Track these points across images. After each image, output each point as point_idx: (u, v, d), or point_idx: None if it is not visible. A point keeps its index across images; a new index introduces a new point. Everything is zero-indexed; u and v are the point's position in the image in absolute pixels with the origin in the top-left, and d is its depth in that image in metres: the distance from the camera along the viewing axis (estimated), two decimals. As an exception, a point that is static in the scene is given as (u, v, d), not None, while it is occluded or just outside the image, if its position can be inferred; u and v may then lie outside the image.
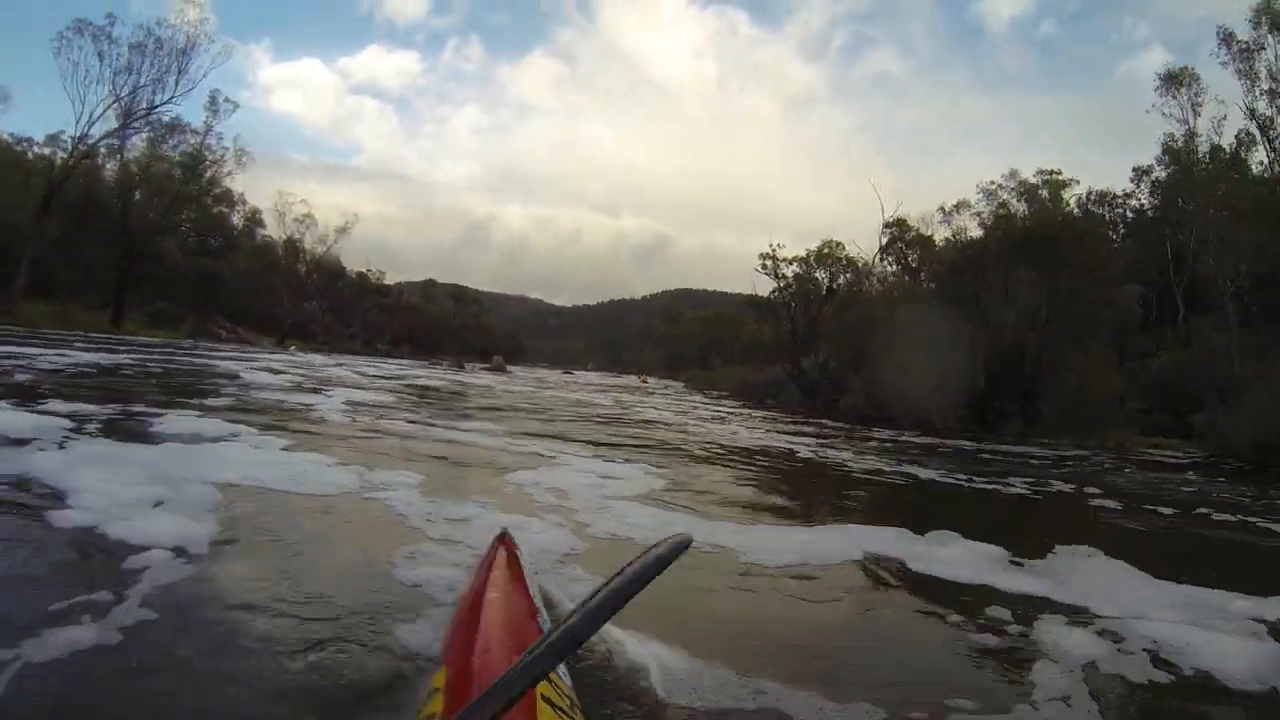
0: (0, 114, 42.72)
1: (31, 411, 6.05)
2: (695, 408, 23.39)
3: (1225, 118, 25.72)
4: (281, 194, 53.76)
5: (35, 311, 29.97)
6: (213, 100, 37.22)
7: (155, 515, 3.54)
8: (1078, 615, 3.53)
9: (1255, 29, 23.10)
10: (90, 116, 32.55)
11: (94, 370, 12.35)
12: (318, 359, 32.75)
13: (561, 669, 1.75)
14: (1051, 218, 24.73)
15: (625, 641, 2.52)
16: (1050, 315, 20.06)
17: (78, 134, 32.95)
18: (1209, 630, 3.37)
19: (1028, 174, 31.26)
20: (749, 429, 15.79)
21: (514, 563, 2.41)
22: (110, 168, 37.60)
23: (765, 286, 35.89)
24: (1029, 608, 3.61)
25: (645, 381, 58.05)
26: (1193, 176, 26.13)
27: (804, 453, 11.20)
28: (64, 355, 14.33)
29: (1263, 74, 23.59)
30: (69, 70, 31.58)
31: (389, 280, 68.21)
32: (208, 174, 39.47)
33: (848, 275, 30.42)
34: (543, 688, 1.51)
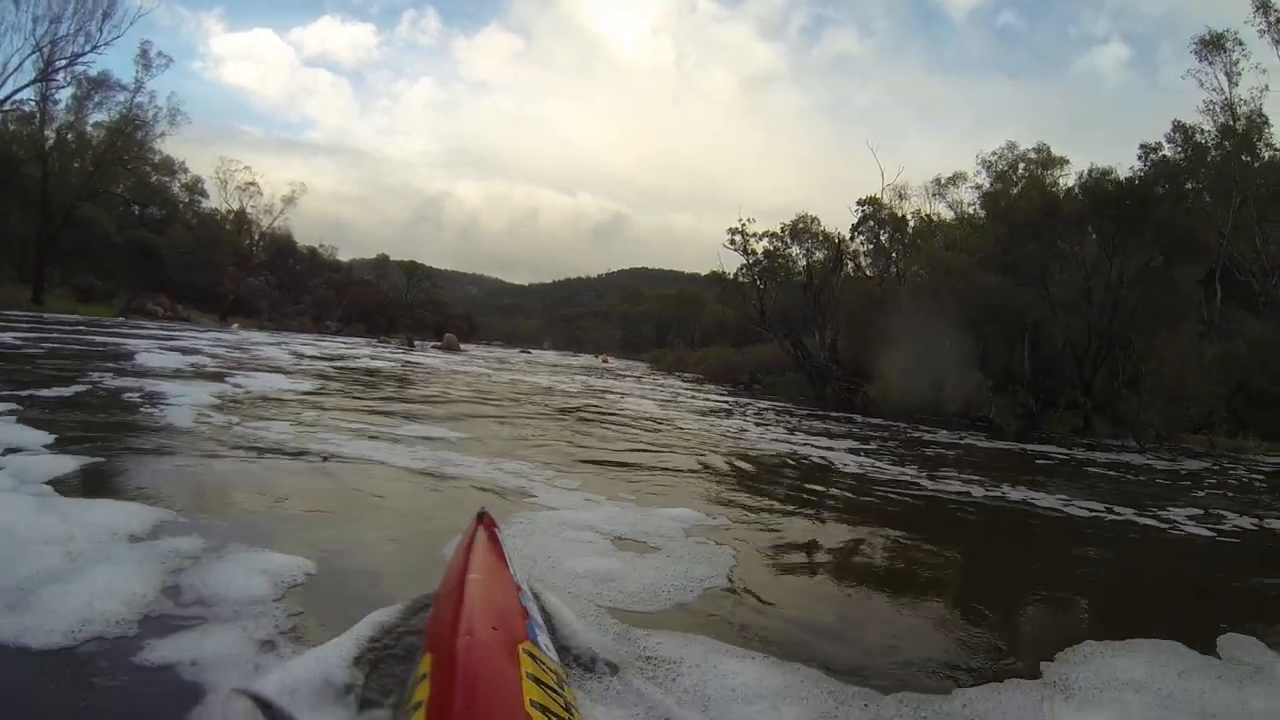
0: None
1: None
2: (679, 396, 19.99)
3: (1267, 89, 23.03)
4: (224, 160, 49.60)
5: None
6: (144, 54, 33.39)
7: None
8: None
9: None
10: (5, 69, 28.86)
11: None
12: (258, 337, 29.69)
13: (547, 643, 1.80)
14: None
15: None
16: (1130, 292, 16.86)
17: (-9, 89, 29.10)
18: None
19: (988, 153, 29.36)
20: (767, 429, 12.62)
21: (494, 543, 2.36)
22: (28, 128, 33.58)
23: (731, 264, 33.64)
24: None
25: (606, 361, 55.45)
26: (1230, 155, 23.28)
27: (886, 473, 8.05)
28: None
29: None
30: (-20, 17, 27.67)
31: (343, 257, 64.56)
32: (139, 135, 35.39)
33: (825, 252, 28.05)
34: (527, 664, 1.56)
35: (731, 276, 32.90)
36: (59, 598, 2.26)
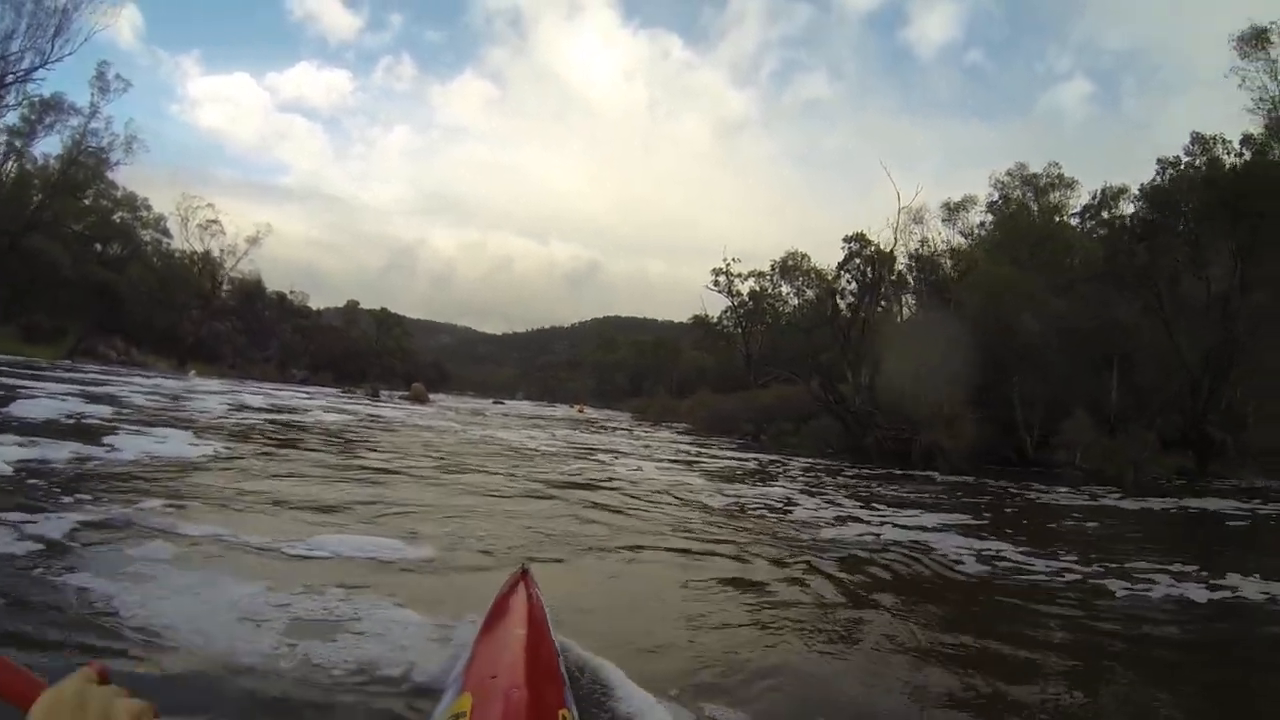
0: None
1: None
2: (682, 454, 16.39)
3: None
4: (185, 196, 46.32)
5: None
6: (100, 75, 30.55)
7: None
8: None
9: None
10: (-50, 88, 26.03)
11: None
12: (210, 385, 26.62)
13: (576, 713, 1.71)
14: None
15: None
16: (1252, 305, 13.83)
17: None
18: None
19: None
20: (824, 499, 9.64)
21: (533, 599, 2.31)
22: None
23: (714, 308, 31.28)
24: None
25: (582, 411, 52.61)
26: None
27: (1068, 574, 5.47)
28: None
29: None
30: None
31: (316, 305, 61.22)
32: (91, 162, 32.28)
33: (817, 289, 25.85)
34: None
35: (715, 320, 30.43)
36: None
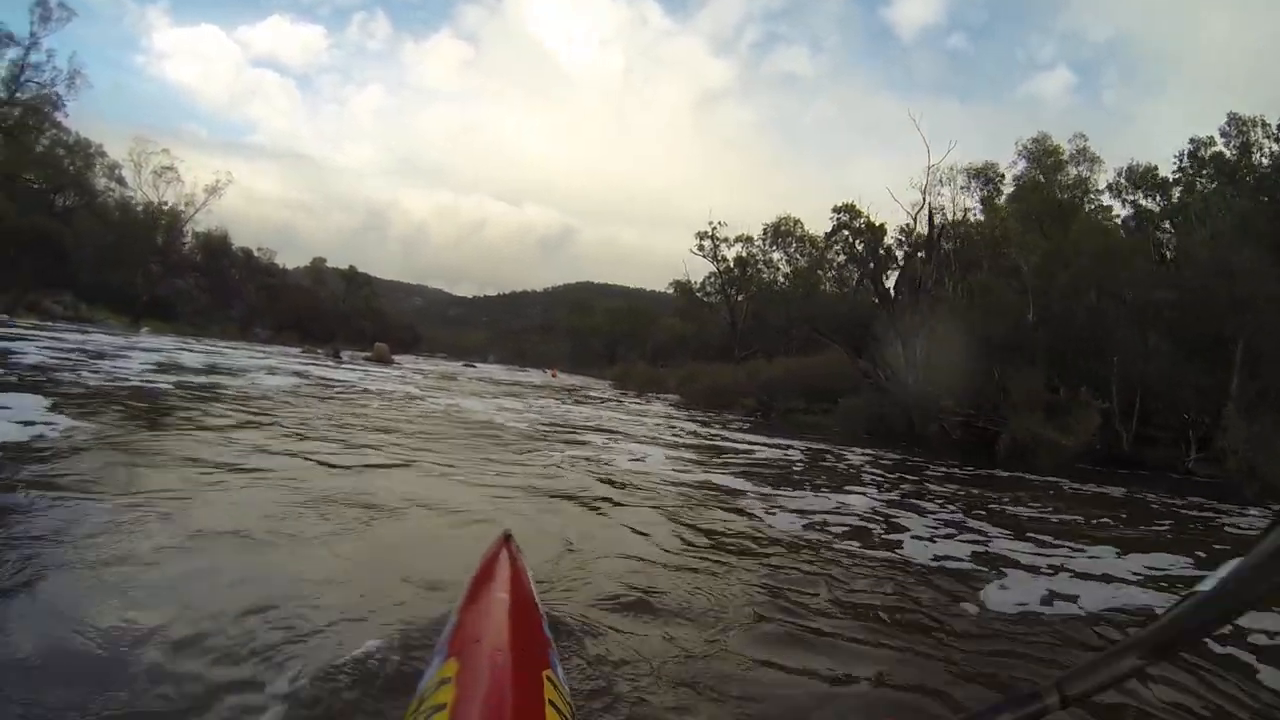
0: None
1: None
2: (695, 438, 12.89)
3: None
4: (138, 141, 42.68)
5: None
6: (41, 3, 27.23)
7: None
8: None
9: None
10: None
11: None
12: (152, 342, 23.94)
13: (563, 675, 1.63)
14: None
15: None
16: None
17: None
18: None
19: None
20: (932, 520, 6.31)
21: (516, 564, 2.11)
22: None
23: (696, 275, 29.05)
24: None
25: (555, 375, 50.45)
26: None
27: None
28: None
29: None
30: None
31: (288, 264, 57.84)
32: (25, 96, 28.95)
33: (809, 255, 23.75)
34: (550, 692, 1.43)
35: (698, 286, 28.32)
36: None
